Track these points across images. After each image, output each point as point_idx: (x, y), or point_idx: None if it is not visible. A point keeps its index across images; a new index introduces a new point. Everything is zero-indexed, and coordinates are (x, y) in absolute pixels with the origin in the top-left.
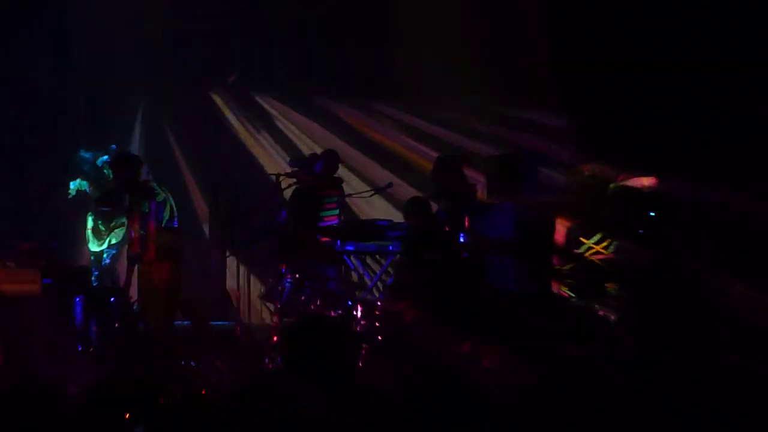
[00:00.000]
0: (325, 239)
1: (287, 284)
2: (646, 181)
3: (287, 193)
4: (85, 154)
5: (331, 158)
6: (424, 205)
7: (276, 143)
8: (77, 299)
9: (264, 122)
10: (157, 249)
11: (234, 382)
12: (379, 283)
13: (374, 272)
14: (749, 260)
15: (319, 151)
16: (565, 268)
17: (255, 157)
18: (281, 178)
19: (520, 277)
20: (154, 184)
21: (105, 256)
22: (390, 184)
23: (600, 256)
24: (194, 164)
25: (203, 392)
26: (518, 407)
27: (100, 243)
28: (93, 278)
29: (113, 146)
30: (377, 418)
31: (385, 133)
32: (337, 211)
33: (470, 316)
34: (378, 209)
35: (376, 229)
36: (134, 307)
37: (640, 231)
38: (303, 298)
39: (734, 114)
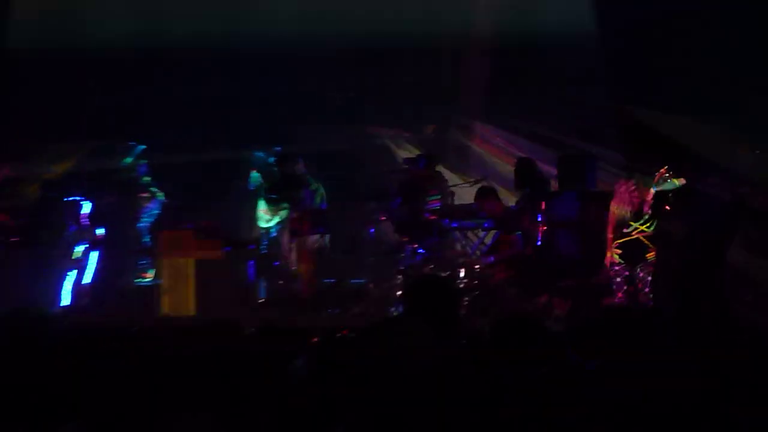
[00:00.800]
0: (433, 218)
1: (408, 252)
2: (678, 181)
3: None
4: (259, 154)
5: (432, 158)
6: (489, 191)
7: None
8: (250, 263)
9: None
10: (310, 225)
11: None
12: (477, 251)
13: (473, 243)
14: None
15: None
16: (618, 241)
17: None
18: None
19: (581, 248)
20: (308, 178)
21: (272, 230)
22: (485, 177)
23: (644, 234)
24: None
25: (344, 332)
26: (579, 343)
27: (268, 221)
28: (262, 247)
29: (278, 147)
30: (473, 354)
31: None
32: (439, 197)
33: (544, 277)
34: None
35: (474, 211)
36: (293, 269)
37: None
38: (419, 262)
39: None
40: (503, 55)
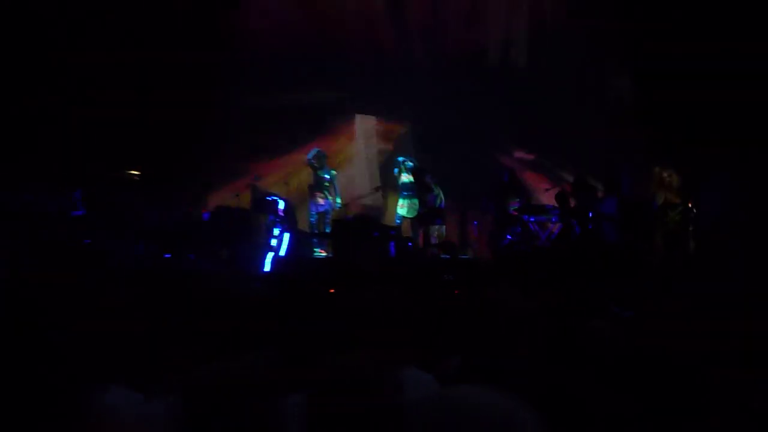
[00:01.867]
0: (515, 214)
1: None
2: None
3: None
4: (400, 159)
5: (513, 171)
6: (562, 196)
7: None
8: (391, 243)
9: None
10: (432, 219)
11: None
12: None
13: (545, 231)
14: None
15: None
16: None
17: None
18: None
19: (621, 236)
20: (433, 185)
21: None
22: (549, 189)
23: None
24: None
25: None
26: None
27: (404, 213)
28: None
29: (400, 158)
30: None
31: None
32: (517, 200)
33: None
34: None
35: (546, 209)
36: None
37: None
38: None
39: None
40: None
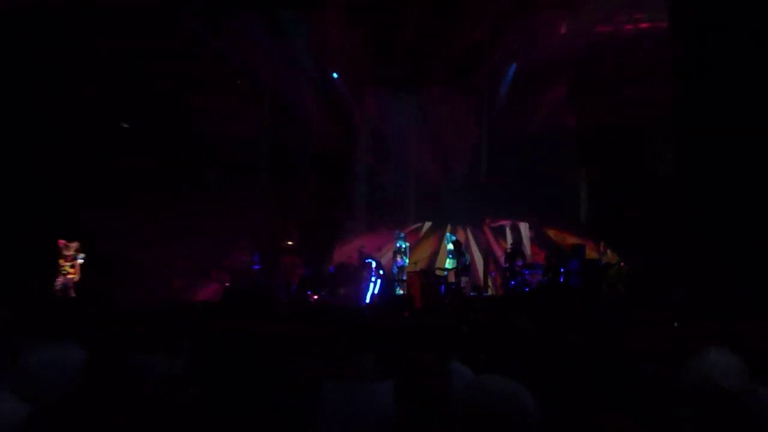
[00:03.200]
0: (517, 269)
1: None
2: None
3: None
4: (451, 237)
5: (519, 243)
6: (546, 258)
7: None
8: (442, 286)
9: None
10: (464, 272)
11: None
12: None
13: (534, 279)
14: None
15: None
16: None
17: None
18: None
19: (581, 279)
20: (464, 251)
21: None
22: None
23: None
24: None
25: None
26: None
27: (449, 266)
28: (442, 278)
29: (447, 235)
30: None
31: None
32: (520, 260)
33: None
34: None
35: (535, 266)
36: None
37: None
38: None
39: None
40: None
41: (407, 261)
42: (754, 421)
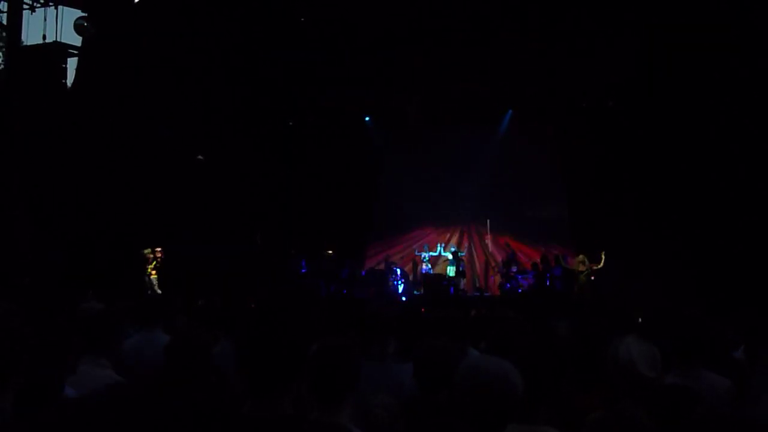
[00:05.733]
0: (512, 273)
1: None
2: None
3: None
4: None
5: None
6: (534, 265)
7: None
8: (451, 288)
9: None
10: (461, 275)
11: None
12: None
13: (526, 281)
14: None
15: None
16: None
17: None
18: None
19: (562, 282)
20: (462, 262)
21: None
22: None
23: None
24: None
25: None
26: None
27: (451, 274)
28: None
29: (452, 247)
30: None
31: None
32: (515, 266)
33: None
34: None
35: (526, 271)
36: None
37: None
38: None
39: None
40: None
41: (431, 269)
42: (672, 405)
